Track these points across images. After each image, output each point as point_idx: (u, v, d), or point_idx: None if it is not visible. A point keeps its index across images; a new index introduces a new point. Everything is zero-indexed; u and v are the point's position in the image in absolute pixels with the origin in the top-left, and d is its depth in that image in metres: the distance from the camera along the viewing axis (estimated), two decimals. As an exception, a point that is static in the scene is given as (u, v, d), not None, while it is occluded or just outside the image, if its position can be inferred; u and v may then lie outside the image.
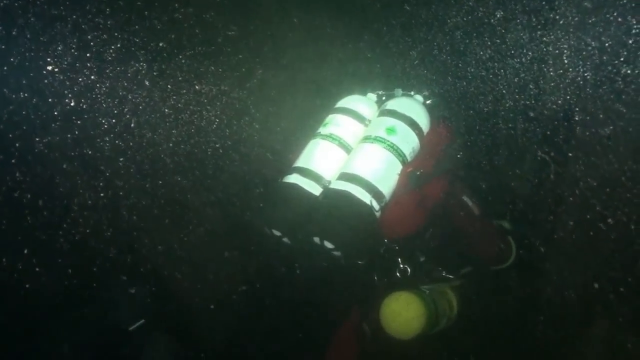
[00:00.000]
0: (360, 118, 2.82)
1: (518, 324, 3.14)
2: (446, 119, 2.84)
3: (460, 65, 3.27)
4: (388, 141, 2.58)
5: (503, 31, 3.05)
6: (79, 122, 2.97)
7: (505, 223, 3.07)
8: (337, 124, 2.79)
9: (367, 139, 2.63)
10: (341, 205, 2.43)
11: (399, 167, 2.57)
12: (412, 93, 2.90)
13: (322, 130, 2.80)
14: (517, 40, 3.04)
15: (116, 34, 3.06)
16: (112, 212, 3.02)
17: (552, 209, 3.01)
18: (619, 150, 2.79)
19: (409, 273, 2.66)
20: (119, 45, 3.10)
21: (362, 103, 2.89)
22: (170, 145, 3.23)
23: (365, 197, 2.44)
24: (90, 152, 3.01)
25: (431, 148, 2.70)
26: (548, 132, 3.02)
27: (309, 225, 2.46)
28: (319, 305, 2.59)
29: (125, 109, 3.12)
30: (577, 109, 2.89)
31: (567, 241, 2.94)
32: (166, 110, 3.24)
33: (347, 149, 2.73)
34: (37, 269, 2.79)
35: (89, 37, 2.98)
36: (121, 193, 3.12)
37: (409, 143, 2.62)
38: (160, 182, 3.21)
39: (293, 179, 2.65)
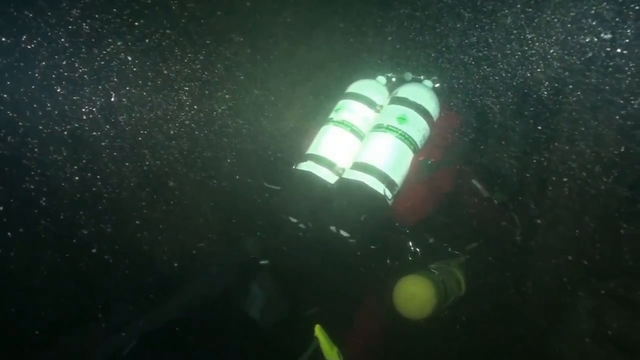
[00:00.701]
0: (371, 104, 2.87)
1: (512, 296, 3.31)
2: (454, 104, 2.89)
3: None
4: (400, 130, 2.64)
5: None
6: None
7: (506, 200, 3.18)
8: (349, 110, 2.84)
9: (379, 127, 2.69)
10: (356, 196, 2.52)
11: (410, 155, 2.65)
12: (422, 77, 2.94)
13: (334, 116, 2.85)
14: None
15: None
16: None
17: (540, 191, 3.14)
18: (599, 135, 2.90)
19: (419, 255, 2.78)
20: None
21: (373, 88, 2.93)
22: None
23: (379, 187, 2.53)
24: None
25: (441, 134, 2.76)
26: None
27: (325, 215, 2.55)
28: (335, 286, 2.71)
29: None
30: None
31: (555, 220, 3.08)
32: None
33: (359, 135, 2.79)
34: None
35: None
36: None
37: (420, 131, 2.69)
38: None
39: (307, 166, 2.72)
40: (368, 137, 2.72)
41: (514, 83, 3.15)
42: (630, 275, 2.97)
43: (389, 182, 2.56)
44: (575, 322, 3.11)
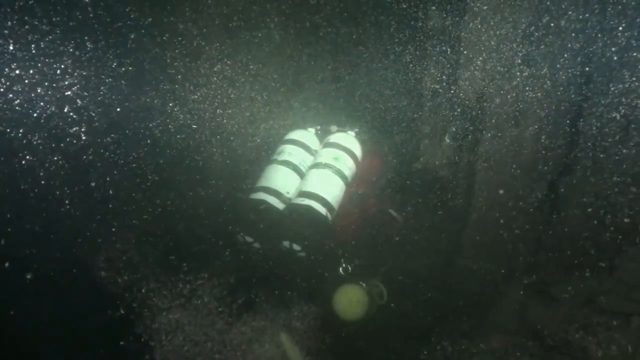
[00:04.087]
0: (307, 148, 3.53)
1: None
2: (375, 149, 3.66)
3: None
4: (335, 167, 3.33)
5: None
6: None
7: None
8: (290, 153, 3.47)
9: (318, 165, 3.36)
10: (305, 217, 3.11)
11: (343, 186, 3.33)
12: (346, 129, 3.69)
13: (278, 157, 3.47)
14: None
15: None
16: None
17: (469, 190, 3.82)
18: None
19: (349, 271, 3.41)
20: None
21: (307, 136, 3.61)
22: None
23: (322, 210, 3.15)
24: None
25: (366, 171, 3.50)
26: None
27: (279, 232, 3.10)
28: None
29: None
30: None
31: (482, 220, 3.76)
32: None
33: (299, 172, 3.42)
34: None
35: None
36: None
37: (350, 168, 3.40)
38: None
39: (260, 195, 3.27)
40: (309, 173, 3.36)
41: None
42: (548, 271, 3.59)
43: (329, 207, 3.19)
44: (500, 318, 3.69)
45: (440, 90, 3.85)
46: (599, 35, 3.44)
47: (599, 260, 3.53)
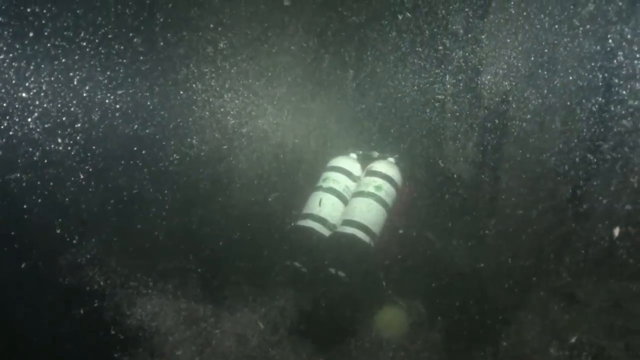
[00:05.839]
0: (350, 175, 3.78)
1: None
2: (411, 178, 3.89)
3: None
4: (377, 195, 3.58)
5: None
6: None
7: None
8: (334, 180, 3.73)
9: (361, 193, 3.61)
10: (350, 245, 3.38)
11: (385, 214, 3.58)
12: (387, 155, 3.91)
13: (323, 184, 3.73)
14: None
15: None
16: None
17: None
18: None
19: (389, 292, 3.68)
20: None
21: (350, 163, 3.85)
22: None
23: (366, 239, 3.42)
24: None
25: (404, 196, 3.74)
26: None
27: (325, 259, 3.38)
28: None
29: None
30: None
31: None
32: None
33: (343, 199, 3.68)
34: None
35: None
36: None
37: (391, 196, 3.64)
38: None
39: (306, 223, 3.55)
40: (353, 201, 3.62)
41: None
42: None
43: (372, 235, 3.45)
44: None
45: (463, 94, 3.96)
46: (624, 39, 3.49)
47: (626, 264, 3.57)
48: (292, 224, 3.63)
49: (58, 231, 3.65)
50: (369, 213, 3.52)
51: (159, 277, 3.83)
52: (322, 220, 3.57)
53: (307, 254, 3.48)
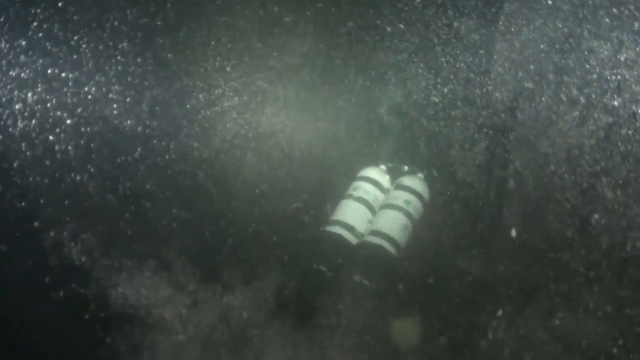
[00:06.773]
0: (379, 186, 3.90)
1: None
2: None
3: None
4: (406, 209, 3.70)
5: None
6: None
7: None
8: (365, 190, 3.85)
9: (390, 206, 3.74)
10: (376, 255, 3.52)
11: (411, 227, 3.71)
12: (417, 171, 4.03)
13: (354, 193, 3.85)
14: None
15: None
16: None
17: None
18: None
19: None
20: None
21: (380, 174, 3.97)
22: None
23: (392, 250, 3.55)
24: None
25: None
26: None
27: (351, 267, 3.52)
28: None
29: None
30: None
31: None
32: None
33: (372, 209, 3.80)
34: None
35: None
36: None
37: (418, 211, 3.77)
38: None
39: (336, 229, 3.67)
40: (382, 212, 3.74)
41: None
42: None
43: (398, 247, 3.58)
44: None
45: (472, 98, 4.06)
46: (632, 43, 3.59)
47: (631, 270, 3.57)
48: (321, 229, 3.75)
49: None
50: (396, 225, 3.64)
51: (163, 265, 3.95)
52: (350, 228, 3.69)
53: (334, 259, 3.60)
